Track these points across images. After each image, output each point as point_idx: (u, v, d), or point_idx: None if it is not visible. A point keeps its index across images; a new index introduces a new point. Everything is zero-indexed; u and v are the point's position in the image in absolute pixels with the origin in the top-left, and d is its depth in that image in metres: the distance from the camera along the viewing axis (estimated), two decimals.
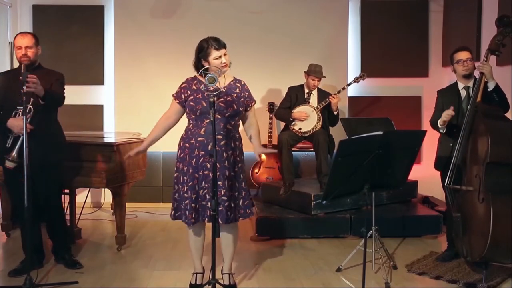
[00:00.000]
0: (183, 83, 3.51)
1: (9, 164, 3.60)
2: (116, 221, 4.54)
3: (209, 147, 3.29)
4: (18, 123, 3.62)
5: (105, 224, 5.57)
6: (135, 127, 5.75)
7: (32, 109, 3.58)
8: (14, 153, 3.59)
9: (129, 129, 5.86)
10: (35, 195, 3.78)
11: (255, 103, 3.59)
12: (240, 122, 3.57)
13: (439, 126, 4.00)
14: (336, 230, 4.91)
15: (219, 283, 3.27)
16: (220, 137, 3.36)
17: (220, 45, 3.36)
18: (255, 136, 3.60)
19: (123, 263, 4.21)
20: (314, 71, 5.29)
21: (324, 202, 4.78)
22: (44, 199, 3.90)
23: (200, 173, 3.37)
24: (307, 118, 5.18)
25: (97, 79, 6.28)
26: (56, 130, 3.97)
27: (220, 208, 3.31)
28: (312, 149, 5.27)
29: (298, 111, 5.24)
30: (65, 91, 3.94)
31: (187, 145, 3.42)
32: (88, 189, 4.97)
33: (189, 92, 3.44)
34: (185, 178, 3.42)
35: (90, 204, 6.01)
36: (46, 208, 3.94)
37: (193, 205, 3.38)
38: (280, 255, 4.42)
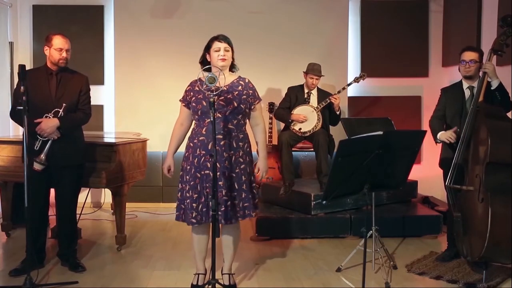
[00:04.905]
0: (187, 86, 3.52)
1: (37, 166, 3.68)
2: (116, 221, 4.54)
3: (209, 147, 3.29)
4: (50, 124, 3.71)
5: (105, 224, 5.56)
6: (135, 127, 5.77)
7: (62, 114, 3.75)
8: (42, 156, 3.70)
9: (129, 129, 5.87)
10: (46, 195, 3.94)
11: (260, 102, 3.53)
12: (248, 123, 3.52)
13: (437, 138, 4.02)
14: (336, 230, 4.91)
15: (219, 283, 3.26)
16: (220, 136, 3.33)
17: (224, 39, 3.38)
18: (262, 148, 3.60)
19: (123, 263, 4.21)
20: (312, 69, 5.28)
21: (324, 202, 4.75)
22: (62, 200, 3.95)
23: (202, 173, 3.35)
24: (305, 121, 5.18)
25: (97, 79, 6.27)
26: (80, 134, 4.03)
27: (222, 209, 3.30)
28: (312, 149, 5.27)
29: (297, 112, 5.24)
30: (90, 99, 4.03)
31: (191, 144, 3.43)
32: (88, 189, 4.97)
33: (192, 93, 3.44)
34: (187, 177, 3.41)
35: (90, 204, 6.01)
36: (62, 208, 3.98)
37: (194, 204, 3.36)
38: (280, 255, 4.42)
